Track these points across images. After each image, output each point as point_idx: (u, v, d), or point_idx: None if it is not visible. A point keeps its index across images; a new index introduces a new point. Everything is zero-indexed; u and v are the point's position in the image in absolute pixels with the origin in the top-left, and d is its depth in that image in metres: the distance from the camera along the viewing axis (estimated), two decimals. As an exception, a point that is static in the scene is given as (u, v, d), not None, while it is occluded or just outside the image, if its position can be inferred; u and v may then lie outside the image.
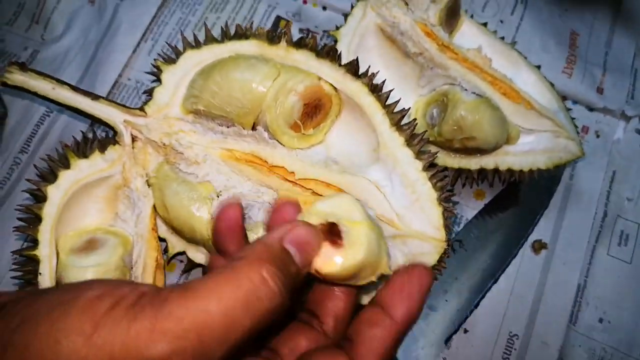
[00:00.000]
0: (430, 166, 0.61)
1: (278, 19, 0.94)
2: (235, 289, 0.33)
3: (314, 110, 0.65)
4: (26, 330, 0.31)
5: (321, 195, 0.63)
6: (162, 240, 0.69)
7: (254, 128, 0.66)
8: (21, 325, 0.31)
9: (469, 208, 0.81)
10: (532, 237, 0.80)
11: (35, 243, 0.61)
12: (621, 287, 0.78)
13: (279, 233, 0.39)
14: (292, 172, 0.64)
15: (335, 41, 0.77)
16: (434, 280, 0.43)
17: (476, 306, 0.75)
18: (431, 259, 0.58)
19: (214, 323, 0.32)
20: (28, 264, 0.62)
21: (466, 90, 0.72)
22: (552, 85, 0.79)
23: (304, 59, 0.65)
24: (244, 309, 0.33)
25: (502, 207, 0.80)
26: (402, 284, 0.41)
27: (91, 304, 0.32)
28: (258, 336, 0.36)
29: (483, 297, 0.76)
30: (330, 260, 0.41)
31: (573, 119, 0.77)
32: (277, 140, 0.65)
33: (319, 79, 0.64)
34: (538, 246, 0.80)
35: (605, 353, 0.74)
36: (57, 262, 0.61)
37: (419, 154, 0.60)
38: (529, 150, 0.74)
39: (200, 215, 0.63)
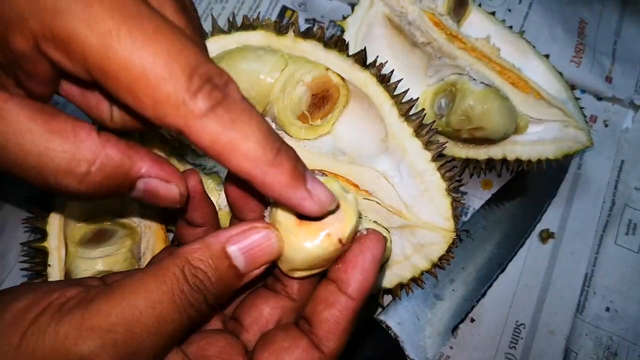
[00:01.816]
0: (439, 156, 0.61)
1: (284, 9, 0.94)
2: (160, 284, 0.34)
3: (322, 101, 0.64)
4: None
5: (329, 186, 0.63)
6: (170, 230, 0.69)
7: (261, 119, 0.65)
8: None
9: (476, 198, 0.80)
10: (540, 227, 0.80)
11: (44, 235, 0.61)
12: (628, 276, 0.78)
13: (226, 234, 0.38)
14: (300, 163, 0.64)
15: (342, 31, 0.76)
16: (386, 246, 0.41)
17: (483, 295, 0.76)
18: (440, 249, 0.58)
19: (142, 316, 0.33)
20: (37, 255, 0.62)
21: (475, 80, 0.71)
22: (560, 74, 0.78)
23: (311, 49, 0.65)
24: (170, 303, 0.34)
25: (510, 197, 0.80)
26: (355, 257, 0.39)
27: (18, 316, 0.32)
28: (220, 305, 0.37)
29: (490, 286, 0.76)
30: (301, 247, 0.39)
31: (582, 108, 0.77)
32: (285, 131, 0.65)
33: (327, 69, 0.63)
34: (545, 235, 0.80)
35: (612, 342, 0.74)
36: (66, 254, 0.62)
37: (427, 145, 0.60)
38: (537, 140, 0.74)
39: (209, 207, 0.63)
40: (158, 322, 0.33)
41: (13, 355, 0.31)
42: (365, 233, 0.40)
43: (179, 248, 0.37)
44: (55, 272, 0.61)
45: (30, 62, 0.35)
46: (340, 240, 0.39)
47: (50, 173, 0.36)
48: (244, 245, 0.38)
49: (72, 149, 0.36)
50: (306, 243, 0.39)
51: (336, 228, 0.39)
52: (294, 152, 0.37)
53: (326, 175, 0.44)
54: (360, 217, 0.41)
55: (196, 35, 0.41)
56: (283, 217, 0.40)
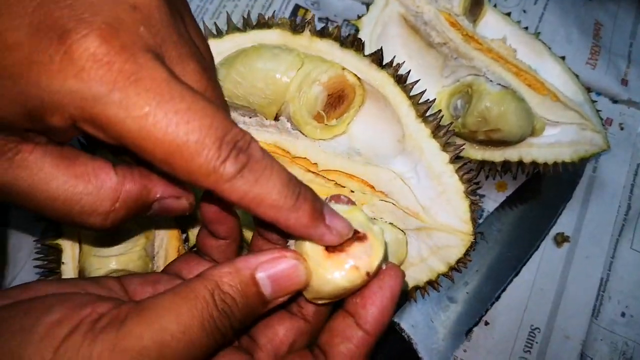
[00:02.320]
0: (456, 158, 0.60)
1: (297, 7, 0.93)
2: (191, 308, 0.35)
3: (338, 101, 0.64)
4: None
5: (344, 187, 0.62)
6: (183, 230, 0.68)
7: (276, 118, 0.65)
8: None
9: (491, 200, 0.80)
10: (555, 230, 0.79)
11: (58, 232, 0.61)
12: (644, 281, 0.77)
13: (256, 261, 0.39)
14: (315, 164, 0.63)
15: (357, 30, 0.76)
16: (404, 286, 0.43)
17: (497, 299, 0.75)
18: (458, 252, 0.58)
19: (173, 341, 0.33)
20: (51, 252, 0.62)
21: (491, 81, 0.71)
22: (576, 76, 0.78)
23: (327, 48, 0.64)
24: (200, 328, 0.35)
25: (524, 199, 0.79)
26: (374, 294, 0.41)
27: (50, 330, 0.33)
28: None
29: (504, 289, 0.75)
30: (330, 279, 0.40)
31: (598, 111, 0.76)
32: (300, 131, 0.64)
33: (343, 69, 0.63)
34: (560, 239, 0.79)
35: (627, 347, 0.74)
36: (80, 251, 0.61)
37: (445, 146, 0.60)
38: (554, 142, 0.73)
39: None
40: (188, 347, 0.34)
41: None
42: (384, 267, 0.41)
43: (209, 270, 0.38)
44: (69, 270, 0.61)
45: (63, 132, 0.38)
46: (368, 274, 0.39)
47: (76, 214, 0.39)
48: (272, 273, 0.38)
49: (95, 191, 0.39)
50: (334, 274, 0.39)
51: (364, 262, 0.39)
52: (312, 192, 0.40)
53: (352, 204, 0.44)
54: (386, 248, 0.41)
55: (217, 96, 0.44)
56: (310, 249, 0.40)
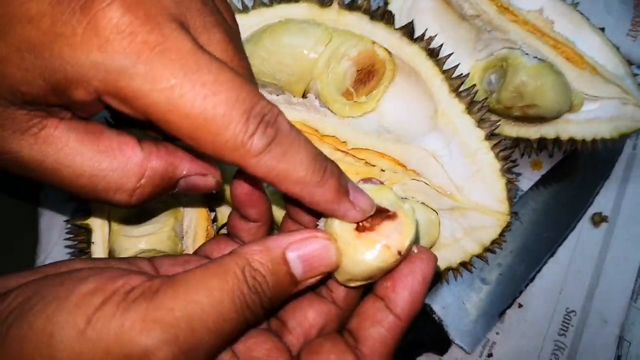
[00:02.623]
0: (491, 135, 0.58)
1: (323, -19, 0.91)
2: (222, 283, 0.34)
3: (367, 77, 0.62)
4: (22, 325, 0.32)
5: (374, 166, 0.61)
6: (212, 209, 0.68)
7: (304, 96, 0.63)
8: (17, 320, 0.32)
9: (526, 179, 0.77)
10: (592, 210, 0.77)
11: (87, 212, 0.61)
12: (686, 263, 0.74)
13: (286, 240, 0.38)
14: (344, 142, 0.62)
15: (386, 3, 0.73)
16: (436, 265, 0.41)
17: (531, 280, 0.73)
18: (493, 232, 0.56)
19: (203, 314, 0.33)
20: (81, 233, 0.62)
21: (527, 54, 0.68)
22: (617, 48, 0.74)
23: (356, 22, 0.62)
24: (231, 303, 0.34)
25: (561, 178, 0.77)
26: (405, 277, 0.39)
27: (84, 299, 0.32)
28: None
29: (539, 271, 0.73)
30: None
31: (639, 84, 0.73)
32: (328, 108, 0.62)
33: (373, 43, 0.61)
34: (598, 219, 0.76)
35: (668, 331, 0.71)
36: (109, 231, 0.61)
37: (480, 122, 0.57)
38: (593, 118, 0.70)
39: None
40: (218, 321, 0.33)
41: (78, 338, 0.31)
42: (416, 251, 0.40)
43: (239, 247, 0.37)
44: (98, 250, 0.61)
45: (87, 106, 0.37)
46: (399, 252, 0.38)
47: (102, 190, 0.39)
48: (303, 253, 0.37)
49: (121, 167, 0.38)
50: (365, 254, 0.38)
51: (395, 240, 0.38)
52: (338, 168, 0.39)
53: (381, 183, 0.43)
54: (417, 226, 0.40)
55: (244, 67, 0.43)
56: (340, 229, 0.39)
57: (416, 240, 0.40)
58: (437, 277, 0.63)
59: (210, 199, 0.66)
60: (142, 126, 0.42)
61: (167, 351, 0.32)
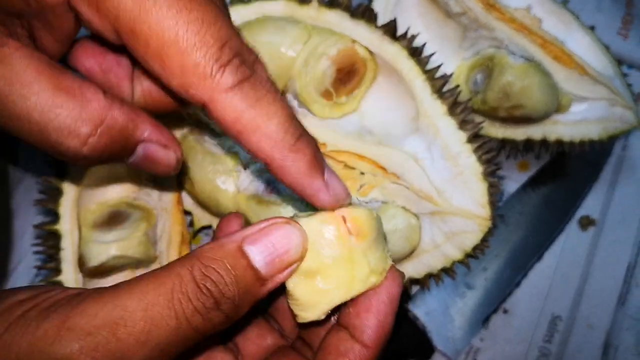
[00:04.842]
0: (474, 137, 0.56)
1: (307, -23, 0.88)
2: (158, 285, 0.30)
3: (347, 77, 0.60)
4: None
5: (354, 169, 0.59)
6: (187, 213, 0.66)
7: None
8: None
9: (512, 181, 0.75)
10: (580, 213, 0.75)
11: (56, 217, 0.59)
12: (675, 267, 0.72)
13: (241, 234, 0.34)
14: (324, 144, 0.60)
15: (370, 0, 0.71)
16: (405, 287, 0.39)
17: (517, 285, 0.71)
18: (474, 238, 0.54)
19: (129, 319, 0.29)
20: (50, 238, 0.60)
21: (514, 53, 0.66)
22: (607, 48, 0.72)
23: (337, 20, 0.60)
24: (167, 306, 0.30)
25: (548, 180, 0.75)
26: (368, 299, 0.36)
27: (11, 308, 0.30)
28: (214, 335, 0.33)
29: (525, 275, 0.71)
30: None
31: (629, 85, 0.71)
32: (307, 109, 0.60)
33: (353, 41, 0.59)
34: (586, 222, 0.74)
35: (655, 337, 0.70)
36: (79, 237, 0.59)
37: (462, 124, 0.55)
38: (581, 119, 0.68)
39: (226, 189, 0.60)
40: (149, 327, 0.29)
41: None
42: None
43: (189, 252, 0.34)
44: (68, 256, 0.59)
45: (54, 15, 0.35)
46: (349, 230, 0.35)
47: (53, 131, 0.35)
48: (262, 244, 0.33)
49: (78, 108, 0.35)
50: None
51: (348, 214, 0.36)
52: (315, 142, 0.36)
53: None
54: (380, 222, 0.38)
55: (226, 10, 0.40)
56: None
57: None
58: (418, 283, 0.61)
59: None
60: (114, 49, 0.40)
61: None
